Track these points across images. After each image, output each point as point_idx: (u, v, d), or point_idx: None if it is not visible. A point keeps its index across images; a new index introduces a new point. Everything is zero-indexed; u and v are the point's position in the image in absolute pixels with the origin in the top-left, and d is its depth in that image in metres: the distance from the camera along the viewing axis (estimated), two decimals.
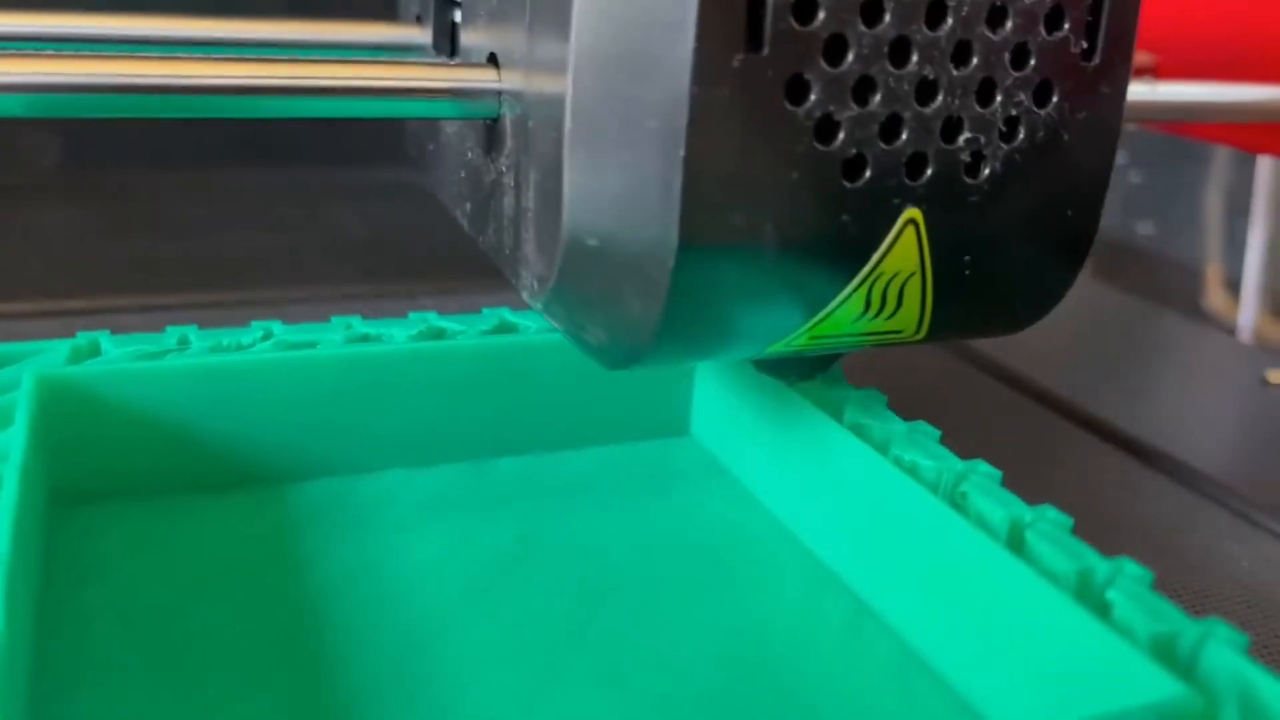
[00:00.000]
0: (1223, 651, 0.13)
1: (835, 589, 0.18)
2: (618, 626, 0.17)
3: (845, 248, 0.15)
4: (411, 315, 0.22)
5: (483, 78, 0.17)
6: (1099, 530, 0.23)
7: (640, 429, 0.23)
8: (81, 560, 0.18)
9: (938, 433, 0.18)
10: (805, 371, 0.20)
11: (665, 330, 0.15)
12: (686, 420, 0.24)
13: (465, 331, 0.21)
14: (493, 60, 0.17)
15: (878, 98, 0.14)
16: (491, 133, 0.18)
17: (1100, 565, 0.15)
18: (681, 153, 0.14)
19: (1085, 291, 0.47)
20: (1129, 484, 0.26)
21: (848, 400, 0.19)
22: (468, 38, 0.18)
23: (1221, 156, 0.49)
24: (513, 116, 0.16)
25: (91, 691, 0.15)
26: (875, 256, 0.15)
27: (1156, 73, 0.25)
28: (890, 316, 0.16)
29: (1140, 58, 0.25)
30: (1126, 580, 0.15)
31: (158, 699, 0.15)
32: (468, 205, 0.19)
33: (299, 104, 0.16)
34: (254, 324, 0.20)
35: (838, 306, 0.16)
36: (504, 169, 0.17)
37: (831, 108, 0.14)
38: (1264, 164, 0.43)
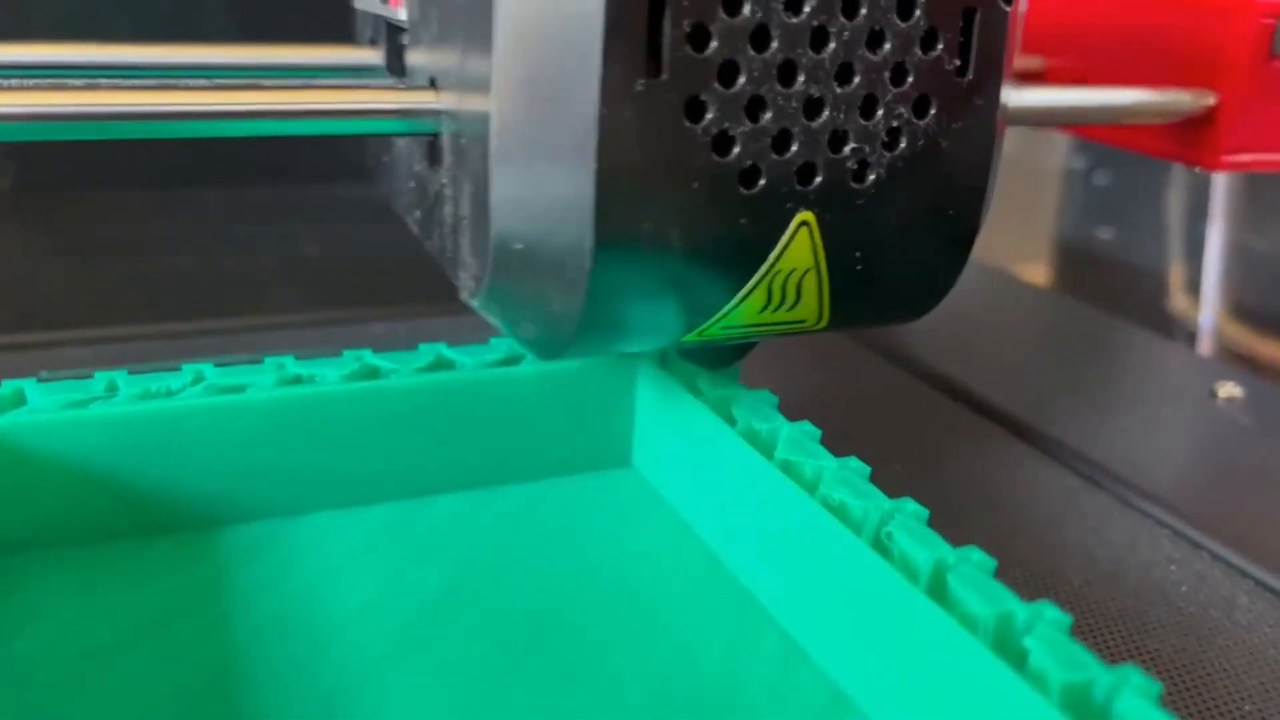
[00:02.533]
0: (1134, 701, 0.13)
1: (767, 626, 0.18)
2: (549, 670, 0.17)
3: (744, 248, 0.17)
4: (346, 353, 0.21)
5: (423, 99, 0.18)
6: (1040, 554, 0.23)
7: (582, 461, 0.23)
8: (11, 611, 0.18)
9: (868, 469, 0.18)
10: (725, 359, 0.22)
11: (586, 324, 0.17)
12: (628, 451, 0.23)
13: (399, 370, 0.21)
14: (433, 83, 0.19)
15: (769, 115, 0.16)
16: (433, 148, 0.19)
17: (1020, 610, 0.15)
18: (593, 166, 0.15)
19: (1040, 298, 0.47)
20: (1074, 506, 0.25)
21: (779, 435, 0.19)
22: (413, 59, 0.20)
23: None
24: (449, 134, 0.18)
25: None
26: (772, 256, 0.17)
27: (1045, 77, 0.26)
28: (791, 308, 0.18)
29: (1030, 62, 0.26)
30: (1045, 626, 0.15)
31: None
32: (417, 213, 0.21)
33: (265, 125, 0.18)
34: (185, 367, 0.20)
35: (741, 301, 0.18)
36: (444, 181, 0.19)
37: (727, 124, 0.16)
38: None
